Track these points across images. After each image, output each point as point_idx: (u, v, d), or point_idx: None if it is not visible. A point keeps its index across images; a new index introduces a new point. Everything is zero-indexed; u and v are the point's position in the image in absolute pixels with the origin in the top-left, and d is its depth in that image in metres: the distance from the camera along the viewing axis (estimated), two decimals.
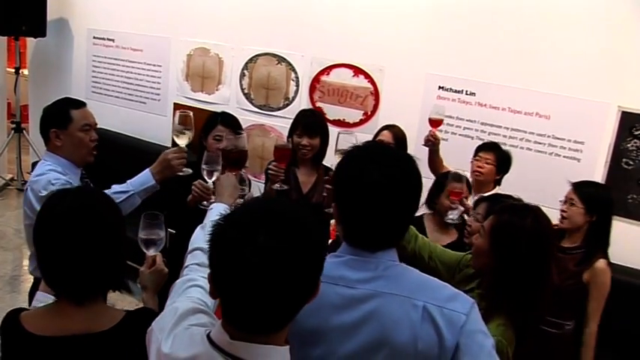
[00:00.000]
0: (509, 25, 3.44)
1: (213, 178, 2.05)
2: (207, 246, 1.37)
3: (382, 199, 1.19)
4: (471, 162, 3.08)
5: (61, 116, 2.27)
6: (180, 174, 2.21)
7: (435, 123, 2.88)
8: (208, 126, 2.67)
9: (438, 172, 2.94)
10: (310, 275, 1.02)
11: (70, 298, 1.31)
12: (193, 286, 1.32)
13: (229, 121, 2.68)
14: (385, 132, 3.05)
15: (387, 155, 1.27)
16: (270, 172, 2.63)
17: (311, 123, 2.85)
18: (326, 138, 2.89)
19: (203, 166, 2.05)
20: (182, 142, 2.15)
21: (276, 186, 2.52)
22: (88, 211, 1.32)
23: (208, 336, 1.06)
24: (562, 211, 2.56)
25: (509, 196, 2.65)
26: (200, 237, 1.50)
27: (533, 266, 1.56)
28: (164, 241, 1.73)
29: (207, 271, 1.06)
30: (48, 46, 5.56)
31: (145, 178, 2.20)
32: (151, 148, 4.61)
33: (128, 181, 2.20)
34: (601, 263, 2.45)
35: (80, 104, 2.34)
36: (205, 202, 2.18)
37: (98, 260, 1.30)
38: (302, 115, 2.94)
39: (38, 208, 2.11)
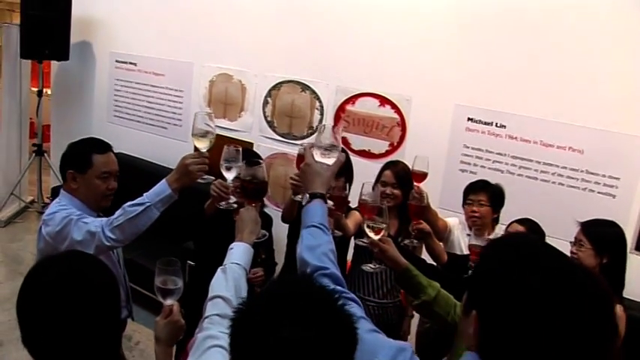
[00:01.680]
0: (541, 55, 3.35)
1: (233, 176, 1.89)
2: (228, 295, 1.27)
3: None
4: (463, 207, 2.98)
5: (82, 159, 2.19)
6: (201, 181, 2.02)
7: (418, 177, 2.50)
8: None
9: (438, 256, 2.77)
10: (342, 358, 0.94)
11: None
12: (214, 346, 1.25)
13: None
14: (387, 172, 2.90)
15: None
16: (292, 182, 2.44)
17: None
18: (350, 177, 2.81)
19: (222, 162, 1.88)
20: (203, 145, 1.93)
21: (299, 197, 2.38)
22: (78, 279, 1.19)
23: None
24: (572, 252, 2.44)
25: (531, 233, 2.56)
26: (221, 282, 1.44)
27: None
28: (182, 290, 1.65)
29: (229, 324, 0.99)
30: (71, 69, 5.58)
31: (161, 188, 2.02)
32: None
33: (144, 194, 2.06)
34: (617, 310, 2.32)
35: (105, 149, 2.24)
36: (224, 203, 2.07)
37: (88, 333, 1.18)
38: None
39: (54, 242, 2.08)
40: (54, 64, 5.71)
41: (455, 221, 3.07)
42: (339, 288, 1.23)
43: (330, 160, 1.63)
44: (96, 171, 2.18)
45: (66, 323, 1.15)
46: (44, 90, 5.72)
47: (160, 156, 4.92)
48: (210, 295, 1.44)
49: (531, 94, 3.41)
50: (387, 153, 3.87)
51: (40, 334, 1.18)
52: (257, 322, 0.92)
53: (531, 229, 2.69)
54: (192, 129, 1.93)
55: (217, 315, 1.34)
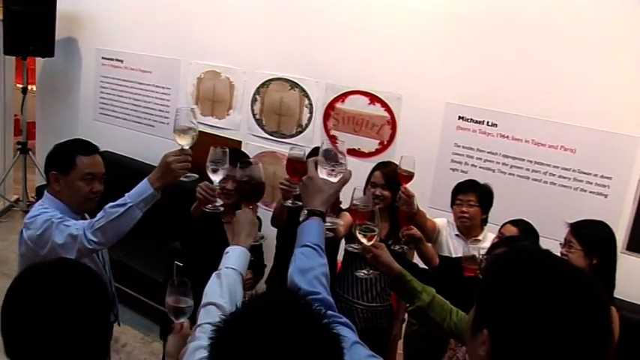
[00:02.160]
0: (533, 54, 3.32)
1: (219, 178, 1.85)
2: (222, 301, 1.22)
3: None
4: (452, 208, 2.94)
5: (65, 159, 2.11)
6: (184, 179, 1.95)
7: (404, 178, 2.45)
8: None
9: (430, 260, 2.71)
10: None
11: None
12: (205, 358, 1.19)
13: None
14: (377, 173, 2.86)
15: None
16: (282, 187, 2.35)
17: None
18: None
19: (208, 164, 1.83)
20: (185, 142, 1.86)
21: (289, 203, 2.32)
22: (66, 287, 1.15)
23: None
24: (562, 254, 2.41)
25: (519, 238, 2.52)
26: (215, 288, 1.39)
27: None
28: (192, 308, 1.64)
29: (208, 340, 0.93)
30: (56, 66, 5.47)
31: (142, 188, 1.95)
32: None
33: (126, 194, 1.99)
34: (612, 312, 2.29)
35: (91, 150, 2.16)
36: (211, 206, 2.01)
37: (76, 344, 1.12)
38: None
39: (35, 246, 2.01)
40: (39, 60, 5.60)
41: (443, 222, 3.03)
42: (330, 312, 1.17)
43: (336, 178, 1.55)
44: (79, 172, 2.10)
45: (53, 334, 1.11)
46: (29, 87, 5.61)
47: (147, 154, 4.82)
48: (203, 301, 1.40)
49: (523, 93, 3.37)
50: (377, 152, 3.82)
51: (26, 346, 1.12)
52: (236, 339, 0.87)
53: (525, 230, 2.66)
54: (174, 125, 1.86)
55: (209, 324, 1.28)
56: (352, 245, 2.01)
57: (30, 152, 5.58)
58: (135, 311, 3.98)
